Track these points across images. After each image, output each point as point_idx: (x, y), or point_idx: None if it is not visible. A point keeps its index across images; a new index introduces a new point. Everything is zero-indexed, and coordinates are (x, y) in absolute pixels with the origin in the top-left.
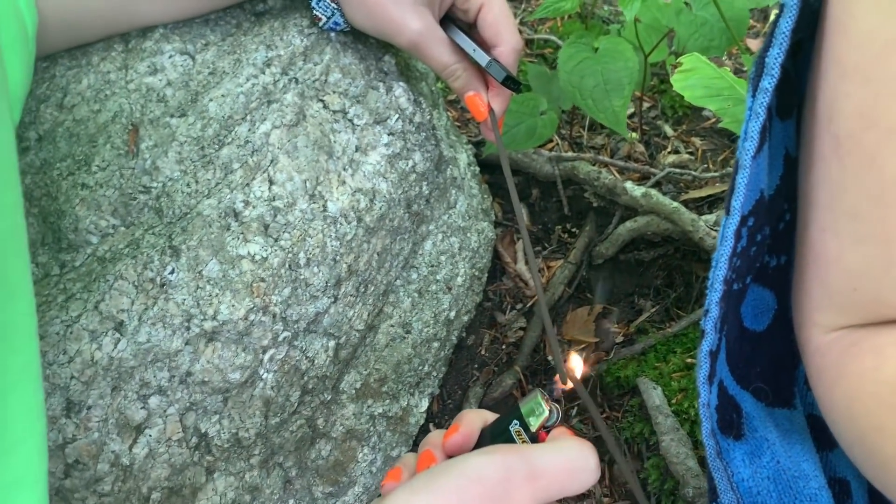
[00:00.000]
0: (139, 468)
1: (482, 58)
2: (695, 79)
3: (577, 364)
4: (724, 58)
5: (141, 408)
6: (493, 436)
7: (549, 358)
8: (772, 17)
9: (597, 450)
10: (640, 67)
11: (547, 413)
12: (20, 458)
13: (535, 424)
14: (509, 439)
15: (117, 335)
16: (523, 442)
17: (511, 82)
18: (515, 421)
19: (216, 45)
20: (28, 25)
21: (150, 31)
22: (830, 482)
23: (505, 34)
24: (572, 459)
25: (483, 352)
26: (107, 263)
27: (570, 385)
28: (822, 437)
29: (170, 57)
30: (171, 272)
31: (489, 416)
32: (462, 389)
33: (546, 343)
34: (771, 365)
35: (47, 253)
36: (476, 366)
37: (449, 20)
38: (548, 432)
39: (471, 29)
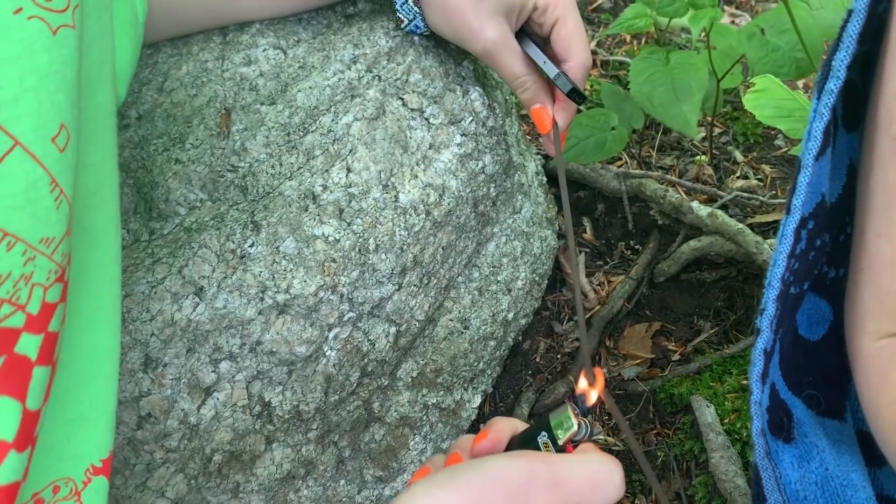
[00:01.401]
0: (205, 429)
1: (551, 70)
2: (766, 99)
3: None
4: (799, 83)
5: (212, 371)
6: (521, 445)
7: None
8: (840, 23)
9: (623, 465)
10: (711, 91)
11: (575, 427)
12: (86, 395)
13: (562, 437)
14: (536, 450)
15: (196, 299)
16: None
17: (576, 95)
18: (544, 433)
19: (307, 42)
20: (139, 13)
21: (247, 26)
22: (879, 500)
23: (575, 50)
24: (596, 473)
25: (538, 359)
26: (192, 233)
27: (588, 393)
28: (870, 454)
29: (263, 50)
30: (251, 245)
31: (520, 426)
32: (515, 394)
33: (601, 356)
34: (823, 376)
35: (139, 220)
36: (530, 372)
37: (524, 33)
38: (575, 447)
39: (545, 43)
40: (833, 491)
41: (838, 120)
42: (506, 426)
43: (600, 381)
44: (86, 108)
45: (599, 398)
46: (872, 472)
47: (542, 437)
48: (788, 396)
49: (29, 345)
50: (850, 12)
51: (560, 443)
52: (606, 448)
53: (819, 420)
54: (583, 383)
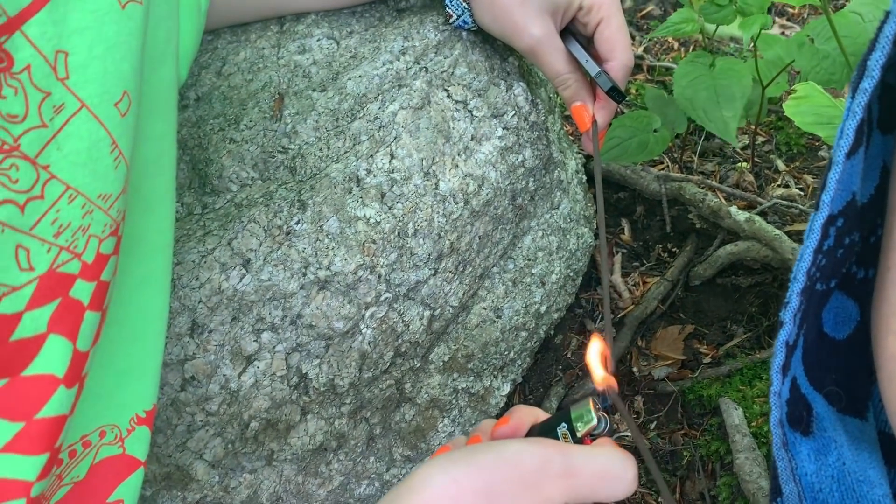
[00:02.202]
0: (244, 395)
1: (592, 68)
2: (807, 106)
3: (596, 348)
4: (843, 91)
5: (254, 340)
6: (540, 434)
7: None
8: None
9: (635, 463)
10: (755, 99)
11: (595, 421)
12: (135, 350)
13: (581, 430)
14: (555, 439)
15: (243, 270)
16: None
17: (615, 93)
18: (564, 424)
19: (359, 34)
20: (202, 2)
21: (303, 17)
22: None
23: (618, 51)
24: (610, 466)
25: (569, 355)
26: (243, 208)
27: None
28: (891, 455)
29: (318, 40)
30: (297, 223)
31: (541, 415)
32: (544, 387)
33: (632, 357)
34: (847, 375)
35: (193, 195)
36: (560, 367)
37: (569, 32)
38: (593, 440)
39: (588, 43)
40: (849, 485)
41: (874, 121)
42: (527, 414)
43: (608, 367)
44: (149, 81)
45: (617, 391)
46: (892, 472)
47: (562, 428)
48: (809, 391)
49: (82, 290)
50: (887, 14)
51: (578, 435)
52: (632, 446)
53: (839, 417)
54: (599, 375)
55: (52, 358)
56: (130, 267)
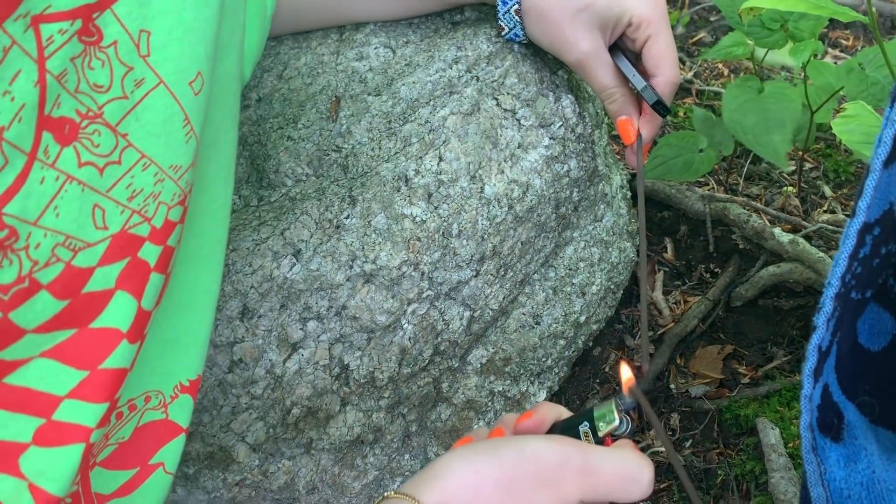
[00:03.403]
0: (287, 381)
1: (639, 82)
2: (855, 124)
3: (625, 374)
4: None
5: (300, 329)
6: (562, 430)
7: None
8: None
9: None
10: (804, 125)
11: (617, 422)
12: (182, 321)
13: (603, 430)
14: (576, 437)
15: (294, 260)
16: (588, 443)
17: (661, 107)
18: (586, 422)
19: (415, 44)
20: (268, 7)
21: (362, 27)
22: None
23: (665, 67)
24: (627, 468)
25: (607, 369)
26: (296, 202)
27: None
28: None
29: (375, 48)
30: (347, 217)
31: (564, 413)
32: (581, 399)
33: (670, 374)
34: (881, 386)
35: (250, 188)
36: (598, 381)
37: (617, 47)
38: (614, 440)
39: (636, 59)
40: (878, 494)
41: None
42: (550, 411)
43: (630, 377)
44: (216, 68)
45: (644, 429)
46: None
47: (584, 427)
48: (842, 399)
49: (150, 252)
50: None
51: (600, 434)
52: (666, 462)
53: (872, 427)
54: (625, 374)
55: (119, 313)
56: (184, 239)
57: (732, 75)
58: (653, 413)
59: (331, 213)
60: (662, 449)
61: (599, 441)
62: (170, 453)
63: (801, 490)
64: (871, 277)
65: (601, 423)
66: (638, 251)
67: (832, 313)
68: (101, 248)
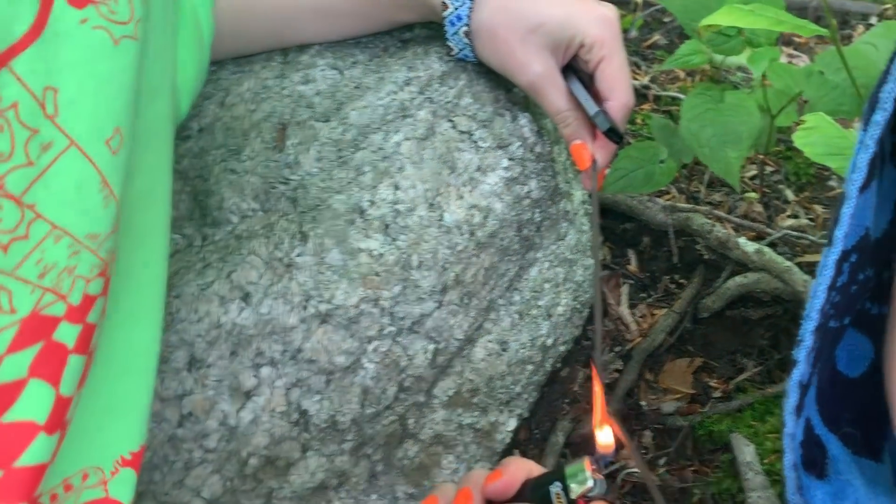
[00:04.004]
0: (242, 432)
1: (591, 107)
2: (817, 136)
3: (606, 437)
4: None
5: (253, 375)
6: (532, 490)
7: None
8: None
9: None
10: (764, 128)
11: (590, 484)
12: (120, 388)
13: (576, 491)
14: (547, 499)
15: (243, 304)
16: None
17: (614, 134)
18: (557, 483)
19: (363, 64)
20: (205, 35)
21: (307, 47)
22: None
23: (618, 90)
24: None
25: (576, 388)
26: (243, 240)
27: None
28: None
29: (321, 70)
30: (298, 255)
31: (534, 469)
32: (551, 421)
33: (640, 390)
34: (862, 414)
35: (193, 226)
36: (567, 401)
37: (571, 69)
38: (587, 502)
39: (591, 80)
40: None
41: (885, 154)
42: (520, 468)
43: (613, 429)
44: (144, 114)
45: (617, 449)
46: None
47: (556, 488)
48: (824, 432)
49: (67, 333)
50: None
51: (572, 496)
52: (641, 482)
53: (854, 459)
54: (602, 437)
55: (33, 404)
56: (118, 302)
57: (689, 79)
58: (626, 436)
59: (280, 251)
60: (637, 471)
61: (572, 503)
62: None
63: None
64: (849, 304)
65: (573, 484)
66: (603, 267)
67: (812, 346)
68: (9, 335)
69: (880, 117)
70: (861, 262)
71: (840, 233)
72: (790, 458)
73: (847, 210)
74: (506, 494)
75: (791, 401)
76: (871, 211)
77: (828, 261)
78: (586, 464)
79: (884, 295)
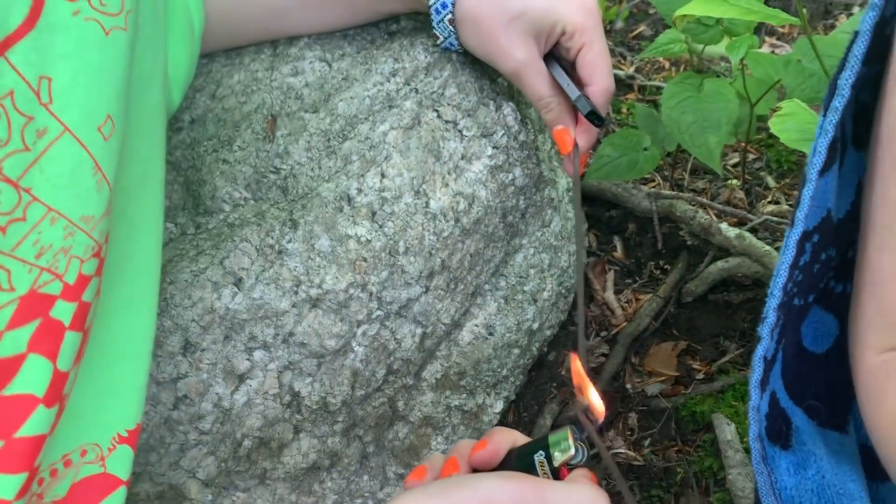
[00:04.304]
0: (237, 414)
1: (572, 91)
2: (792, 122)
3: (596, 401)
4: None
5: (246, 359)
6: (517, 458)
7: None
8: (846, 43)
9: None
10: (745, 117)
11: (573, 451)
12: (117, 371)
13: (559, 459)
14: (531, 467)
15: (235, 289)
16: (545, 474)
17: (594, 117)
18: (541, 451)
19: (351, 56)
20: (196, 26)
21: (296, 40)
22: None
23: (598, 76)
24: (584, 503)
25: (563, 372)
26: (235, 228)
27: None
28: (874, 469)
29: (310, 63)
30: (289, 241)
31: (519, 438)
32: (539, 405)
33: (625, 374)
34: (827, 389)
35: (186, 215)
36: (555, 384)
37: (552, 56)
38: (570, 470)
39: (572, 68)
40: (829, 498)
41: (847, 139)
42: (505, 437)
43: (597, 406)
44: (136, 104)
45: (604, 419)
46: (875, 486)
47: (539, 456)
48: (789, 405)
49: (64, 311)
50: (856, 33)
51: (556, 464)
52: (626, 462)
53: (819, 430)
54: (586, 403)
55: (32, 377)
56: (114, 288)
57: (674, 69)
58: (604, 447)
59: (272, 238)
60: (623, 451)
61: (555, 470)
62: None
63: (755, 495)
64: (812, 283)
65: (556, 452)
66: (588, 253)
67: (776, 323)
68: (9, 312)
69: (838, 103)
70: (823, 243)
71: (801, 214)
72: (755, 429)
73: (807, 192)
74: (491, 463)
75: (755, 375)
76: (832, 193)
77: (789, 241)
78: (569, 433)
79: (848, 274)
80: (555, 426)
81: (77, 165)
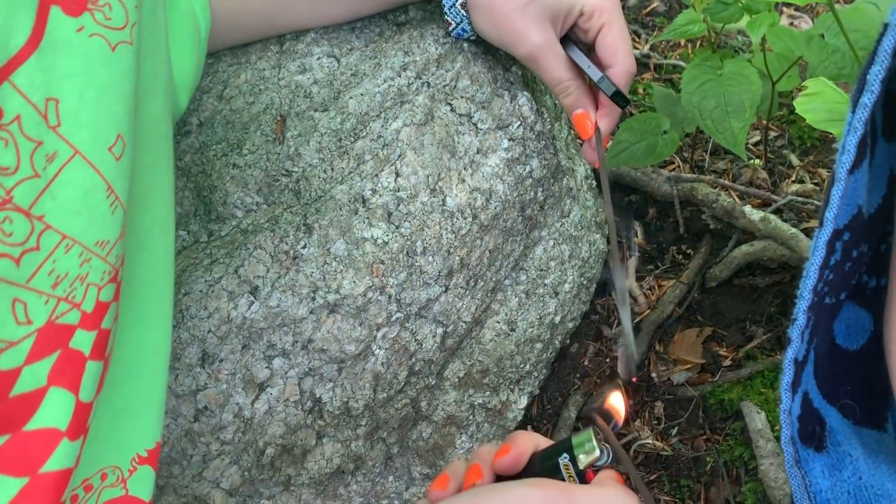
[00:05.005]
0: (258, 423)
1: (595, 73)
2: (818, 102)
3: (618, 402)
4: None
5: (265, 367)
6: (541, 462)
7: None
8: (876, 36)
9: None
10: (766, 94)
11: (598, 453)
12: (132, 388)
13: (584, 462)
14: (556, 471)
15: (252, 298)
16: (570, 477)
17: (619, 98)
18: (565, 454)
19: (359, 50)
20: (202, 27)
21: (303, 35)
22: None
23: (620, 56)
24: None
25: (586, 362)
26: (248, 235)
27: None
28: None
29: (318, 59)
30: (304, 247)
31: (542, 442)
32: (563, 397)
33: (650, 362)
34: (863, 386)
35: (198, 223)
36: (578, 375)
37: (569, 39)
38: (595, 472)
39: (589, 50)
40: (866, 500)
41: (878, 130)
42: (527, 441)
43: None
44: (138, 116)
45: (624, 419)
46: None
47: (564, 459)
48: (823, 405)
49: (83, 340)
50: (885, 26)
51: (581, 466)
52: (654, 453)
53: (855, 429)
54: (615, 401)
55: (54, 411)
56: (124, 304)
57: (690, 46)
58: (625, 454)
59: (286, 243)
60: (650, 441)
61: (581, 473)
62: None
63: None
64: (844, 281)
65: (581, 455)
66: (608, 240)
67: (806, 324)
68: (27, 345)
69: (868, 99)
70: (854, 240)
71: (830, 214)
72: (787, 432)
73: (836, 192)
74: (515, 468)
75: (787, 378)
76: (863, 189)
77: (819, 242)
78: (592, 434)
79: (881, 268)
80: (579, 419)
81: (90, 189)
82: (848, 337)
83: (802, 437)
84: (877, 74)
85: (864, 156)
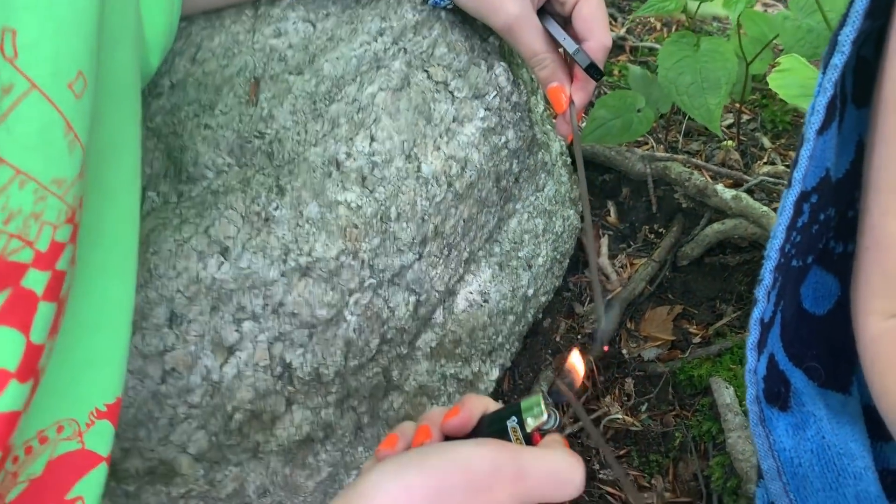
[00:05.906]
0: (226, 387)
1: (570, 45)
2: (791, 78)
3: (577, 362)
4: None
5: (235, 330)
6: (490, 425)
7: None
8: None
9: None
10: (740, 76)
11: (545, 417)
12: (94, 341)
13: (531, 425)
14: (504, 433)
15: (221, 259)
16: (517, 439)
17: (594, 70)
18: (514, 417)
19: (336, 16)
20: None
21: (278, 0)
22: (883, 473)
23: (596, 30)
24: (560, 470)
25: (558, 338)
26: (219, 195)
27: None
28: (877, 429)
29: (293, 23)
30: (276, 208)
31: (491, 405)
32: (534, 371)
33: (621, 339)
34: (829, 350)
35: (168, 183)
36: (550, 351)
37: (545, 11)
38: (542, 435)
39: (566, 23)
40: (829, 459)
41: (847, 96)
42: (477, 404)
43: (580, 371)
44: (104, 64)
45: (581, 385)
46: (879, 446)
47: (512, 422)
48: (788, 367)
49: (36, 280)
50: None
51: (528, 430)
52: (624, 428)
53: (820, 391)
54: (575, 361)
55: (3, 351)
56: (89, 256)
57: (665, 29)
58: (584, 413)
59: (258, 205)
60: (619, 417)
61: (528, 436)
62: (89, 486)
63: (757, 458)
64: (811, 244)
65: (529, 418)
66: (581, 217)
67: (772, 285)
68: None
69: (838, 60)
70: (822, 203)
71: (798, 174)
72: (752, 391)
73: (805, 152)
74: (464, 430)
75: (752, 337)
76: (831, 152)
77: (787, 202)
78: (542, 398)
79: (848, 233)
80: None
81: (47, 125)
82: (815, 301)
83: (767, 396)
84: (847, 35)
85: (833, 118)
